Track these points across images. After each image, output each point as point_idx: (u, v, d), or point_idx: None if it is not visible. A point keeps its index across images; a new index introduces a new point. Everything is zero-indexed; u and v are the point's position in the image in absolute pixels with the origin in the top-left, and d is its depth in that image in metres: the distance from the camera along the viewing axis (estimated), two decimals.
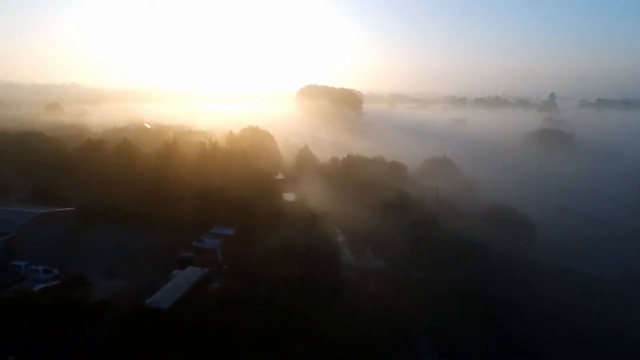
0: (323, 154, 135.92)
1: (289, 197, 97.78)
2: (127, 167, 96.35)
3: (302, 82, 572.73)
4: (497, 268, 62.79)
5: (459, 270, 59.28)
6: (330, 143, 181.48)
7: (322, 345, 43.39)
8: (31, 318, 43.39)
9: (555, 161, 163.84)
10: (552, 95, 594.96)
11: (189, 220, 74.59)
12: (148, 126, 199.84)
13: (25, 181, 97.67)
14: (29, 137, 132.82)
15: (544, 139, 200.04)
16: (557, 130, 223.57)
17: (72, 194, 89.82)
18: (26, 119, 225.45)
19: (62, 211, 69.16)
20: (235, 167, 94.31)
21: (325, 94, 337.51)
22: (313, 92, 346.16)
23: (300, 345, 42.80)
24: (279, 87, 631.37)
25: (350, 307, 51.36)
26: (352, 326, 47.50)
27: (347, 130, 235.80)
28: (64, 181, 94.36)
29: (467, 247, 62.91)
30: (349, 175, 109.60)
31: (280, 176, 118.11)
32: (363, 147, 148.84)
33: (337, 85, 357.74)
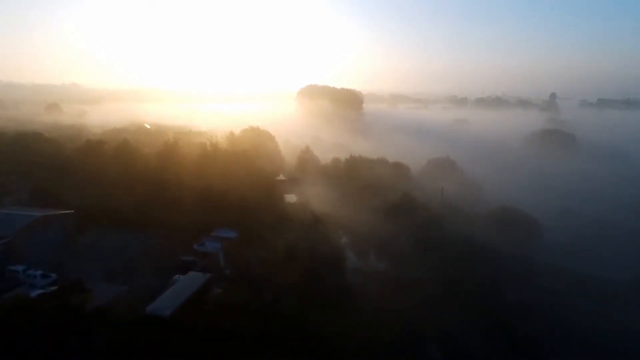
0: (324, 155, 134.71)
1: (291, 198, 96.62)
2: (127, 168, 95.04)
3: (302, 82, 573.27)
4: (505, 271, 61.64)
5: (467, 273, 58.01)
6: (331, 143, 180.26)
7: (327, 351, 42.23)
8: (28, 325, 42.12)
9: (559, 162, 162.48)
10: (553, 95, 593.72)
11: (190, 222, 73.28)
12: (148, 126, 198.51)
13: (24, 182, 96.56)
14: (27, 137, 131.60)
15: (546, 139, 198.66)
16: (559, 130, 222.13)
17: (71, 196, 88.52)
18: (25, 119, 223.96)
19: (61, 214, 67.75)
20: (237, 168, 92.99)
21: (325, 94, 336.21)
22: (313, 92, 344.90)
23: (306, 352, 41.62)
24: (279, 87, 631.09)
25: (356, 311, 50.18)
26: (358, 331, 46.43)
27: (348, 130, 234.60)
28: (63, 182, 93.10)
29: (474, 250, 61.76)
30: (351, 176, 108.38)
31: (281, 177, 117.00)
32: (365, 148, 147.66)
33: (337, 86, 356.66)
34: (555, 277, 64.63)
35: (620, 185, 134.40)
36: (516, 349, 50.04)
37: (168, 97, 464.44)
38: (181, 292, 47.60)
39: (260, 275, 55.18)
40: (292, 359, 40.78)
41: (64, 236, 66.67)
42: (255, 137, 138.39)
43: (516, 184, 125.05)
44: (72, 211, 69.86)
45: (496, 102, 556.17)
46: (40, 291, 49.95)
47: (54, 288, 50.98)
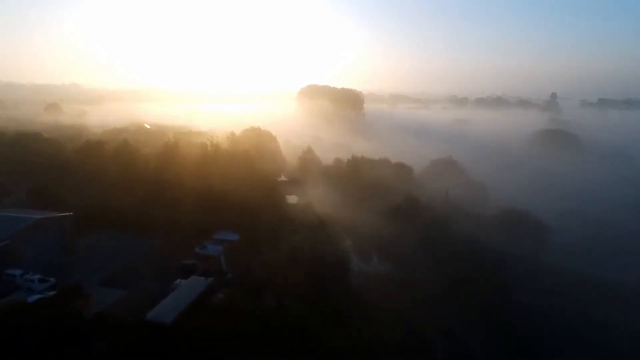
0: (325, 155, 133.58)
1: (292, 199, 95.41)
2: (127, 169, 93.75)
3: (302, 82, 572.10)
4: (513, 273, 60.41)
5: (474, 277, 56.78)
6: (332, 144, 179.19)
7: (334, 357, 41.11)
8: (25, 332, 40.89)
9: (562, 162, 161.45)
10: (554, 95, 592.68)
11: (191, 224, 72.05)
12: (148, 127, 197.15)
13: (22, 183, 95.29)
14: (27, 138, 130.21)
15: (549, 139, 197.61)
16: (561, 130, 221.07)
17: (70, 197, 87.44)
18: (25, 120, 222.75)
19: (59, 216, 66.40)
20: (238, 169, 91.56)
21: (326, 94, 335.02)
22: (314, 92, 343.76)
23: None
24: (279, 87, 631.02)
25: (363, 315, 48.92)
26: (365, 336, 45.31)
27: (349, 130, 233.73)
28: (62, 183, 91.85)
29: (480, 253, 60.59)
30: (353, 177, 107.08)
31: (283, 178, 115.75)
32: (366, 148, 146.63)
33: (337, 86, 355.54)
34: (562, 280, 63.57)
35: (625, 185, 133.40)
36: (523, 350, 49.15)
37: (168, 97, 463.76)
38: (183, 298, 46.32)
39: (263, 280, 53.89)
40: None
41: (62, 239, 65.38)
42: (256, 138, 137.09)
43: (520, 184, 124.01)
44: (70, 213, 68.51)
45: (496, 102, 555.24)
46: (38, 296, 48.60)
47: (52, 293, 49.61)
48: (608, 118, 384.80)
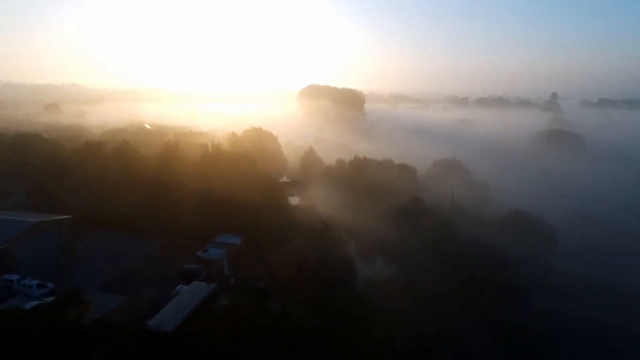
0: (327, 156, 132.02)
1: (294, 200, 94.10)
2: (127, 171, 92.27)
3: (302, 82, 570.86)
4: (525, 278, 59.02)
5: (486, 282, 55.41)
6: (333, 144, 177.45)
7: None
8: (21, 340, 39.54)
9: (567, 163, 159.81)
10: (554, 95, 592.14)
11: (192, 227, 70.79)
12: (148, 127, 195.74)
13: (21, 184, 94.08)
14: (26, 138, 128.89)
15: (552, 139, 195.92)
16: (565, 131, 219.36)
17: (69, 198, 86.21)
18: (24, 120, 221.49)
19: (58, 219, 64.99)
20: (240, 170, 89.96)
21: (327, 94, 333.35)
22: (315, 92, 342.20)
23: None
24: (279, 87, 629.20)
25: (370, 322, 47.50)
26: (372, 344, 43.96)
27: (350, 131, 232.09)
28: (61, 185, 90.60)
29: (490, 258, 59.07)
30: (356, 178, 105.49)
31: (284, 179, 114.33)
32: (368, 149, 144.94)
33: (338, 85, 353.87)
34: (575, 284, 62.22)
35: (631, 186, 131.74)
36: (538, 357, 48.01)
37: (168, 97, 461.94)
38: (184, 305, 44.88)
39: (267, 285, 52.50)
40: None
41: (61, 243, 64.06)
42: (257, 138, 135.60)
43: (525, 185, 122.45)
44: (69, 216, 67.05)
45: (497, 102, 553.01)
46: (35, 302, 47.26)
47: (50, 299, 48.30)
48: (610, 118, 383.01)
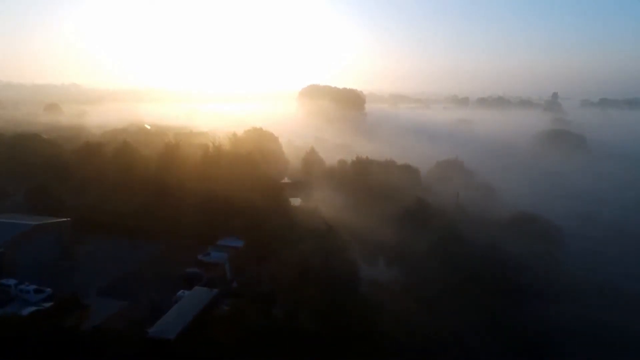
0: (328, 156, 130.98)
1: (295, 201, 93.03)
2: (127, 172, 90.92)
3: (302, 82, 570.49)
4: (531, 282, 57.84)
5: (491, 286, 54.33)
6: (334, 144, 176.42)
7: None
8: (18, 349, 38.36)
9: (571, 163, 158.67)
10: (555, 95, 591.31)
11: (193, 229, 69.58)
12: (148, 127, 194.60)
13: (19, 186, 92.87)
14: (25, 139, 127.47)
15: (555, 140, 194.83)
16: (567, 131, 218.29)
17: (68, 200, 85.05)
18: (23, 120, 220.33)
19: (56, 222, 63.66)
20: (241, 171, 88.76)
21: (327, 94, 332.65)
22: (315, 92, 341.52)
23: None
24: (279, 87, 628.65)
25: (377, 329, 46.33)
26: (380, 351, 42.81)
27: (351, 131, 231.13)
28: (60, 186, 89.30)
29: (499, 260, 57.85)
30: (359, 179, 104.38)
31: (286, 180, 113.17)
32: (369, 149, 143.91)
33: (338, 85, 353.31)
34: (585, 287, 61.11)
35: (635, 187, 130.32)
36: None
37: (168, 97, 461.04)
38: (186, 311, 43.69)
39: (271, 290, 51.27)
40: None
41: (59, 245, 62.75)
42: (258, 139, 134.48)
43: (529, 186, 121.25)
44: (68, 218, 65.74)
45: (498, 102, 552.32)
46: (33, 308, 46.02)
47: (48, 305, 47.05)
48: (612, 118, 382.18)
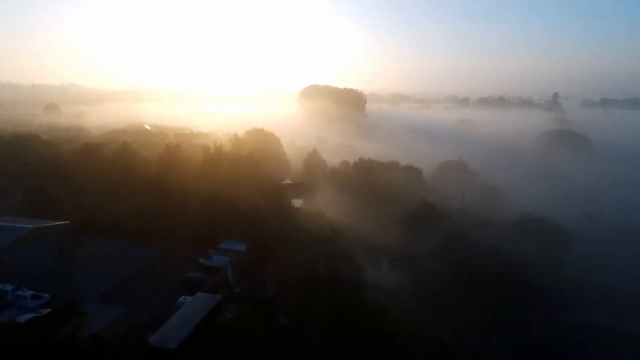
0: (330, 157, 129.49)
1: (297, 203, 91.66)
2: (127, 173, 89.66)
3: (303, 82, 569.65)
4: (540, 290, 56.46)
5: (503, 291, 52.94)
6: (336, 145, 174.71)
7: None
8: (15, 358, 37.02)
9: (574, 164, 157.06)
10: (556, 95, 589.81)
11: (195, 232, 68.29)
12: (148, 128, 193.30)
13: (18, 187, 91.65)
14: (24, 139, 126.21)
15: (558, 140, 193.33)
16: (570, 131, 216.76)
17: (67, 202, 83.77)
18: (22, 121, 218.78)
19: (55, 225, 62.23)
20: (243, 173, 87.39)
21: (328, 94, 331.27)
22: (316, 92, 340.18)
23: None
24: (279, 87, 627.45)
25: (384, 336, 44.95)
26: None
27: (353, 131, 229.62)
28: (59, 188, 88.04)
29: (510, 266, 56.46)
30: (361, 180, 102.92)
31: (287, 181, 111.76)
32: (371, 150, 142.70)
33: (338, 85, 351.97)
34: (596, 295, 59.72)
35: None
36: None
37: (168, 97, 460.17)
38: (188, 319, 42.20)
39: (275, 296, 49.88)
40: None
41: (58, 249, 61.31)
42: (259, 139, 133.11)
43: (534, 188, 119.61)
44: (67, 222, 64.32)
45: (499, 102, 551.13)
46: (30, 315, 44.65)
47: (46, 311, 45.67)
48: (613, 117, 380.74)
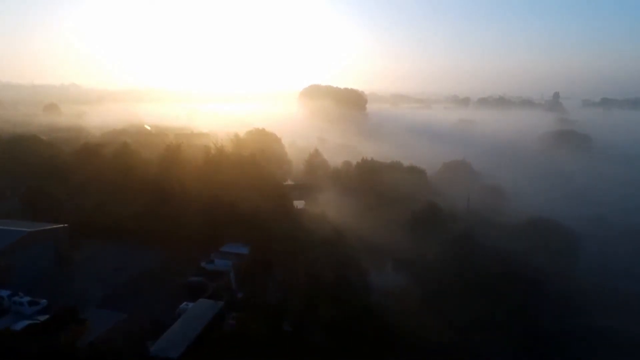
0: (331, 157, 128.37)
1: (299, 204, 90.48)
2: (127, 175, 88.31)
3: (303, 82, 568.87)
4: (549, 294, 55.23)
5: (507, 295, 51.70)
6: (337, 145, 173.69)
7: None
8: None
9: (578, 164, 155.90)
10: (556, 95, 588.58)
11: (196, 234, 67.04)
12: (148, 128, 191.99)
13: (17, 188, 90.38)
14: (22, 140, 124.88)
15: (561, 140, 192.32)
16: (573, 131, 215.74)
17: (66, 203, 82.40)
18: (22, 121, 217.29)
19: (53, 229, 60.77)
20: (245, 174, 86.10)
21: (328, 94, 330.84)
22: (316, 92, 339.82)
23: None
24: (279, 87, 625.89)
25: (390, 343, 43.71)
26: None
27: (354, 131, 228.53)
28: (58, 189, 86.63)
29: (516, 271, 55.19)
30: (364, 181, 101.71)
31: (289, 182, 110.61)
32: (373, 150, 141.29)
33: (339, 85, 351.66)
34: (601, 297, 58.52)
35: None
36: None
37: (168, 98, 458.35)
38: (190, 327, 40.86)
39: (279, 301, 48.49)
40: None
41: (56, 253, 59.94)
42: (260, 140, 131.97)
43: (539, 188, 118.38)
44: (65, 225, 62.92)
45: (499, 102, 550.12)
46: (27, 322, 43.25)
47: (44, 318, 44.31)
48: (614, 117, 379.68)
